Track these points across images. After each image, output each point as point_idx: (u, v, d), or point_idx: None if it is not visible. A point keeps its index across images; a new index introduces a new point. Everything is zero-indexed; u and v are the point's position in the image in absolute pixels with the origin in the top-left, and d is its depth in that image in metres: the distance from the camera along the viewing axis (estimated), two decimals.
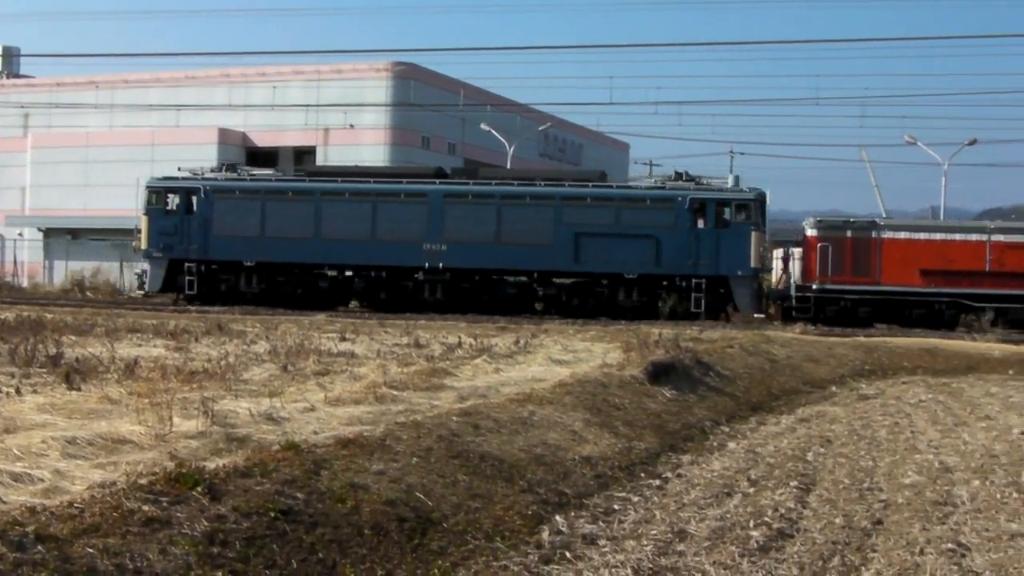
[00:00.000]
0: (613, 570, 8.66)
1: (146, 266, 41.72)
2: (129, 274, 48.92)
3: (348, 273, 40.18)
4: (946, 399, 20.67)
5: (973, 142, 59.66)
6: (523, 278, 39.26)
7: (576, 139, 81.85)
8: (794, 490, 11.62)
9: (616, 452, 13.17)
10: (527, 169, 41.87)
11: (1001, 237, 37.95)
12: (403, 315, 34.99)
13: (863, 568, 8.83)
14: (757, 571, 8.73)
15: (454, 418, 12.19)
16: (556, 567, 8.78)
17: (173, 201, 40.77)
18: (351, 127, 61.07)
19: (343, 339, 22.72)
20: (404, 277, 39.13)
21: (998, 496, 11.42)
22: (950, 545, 9.34)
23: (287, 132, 62.83)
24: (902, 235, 38.19)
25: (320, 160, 60.65)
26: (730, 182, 39.51)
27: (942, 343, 29.07)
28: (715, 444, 15.00)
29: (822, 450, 14.43)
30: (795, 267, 38.30)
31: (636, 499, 11.28)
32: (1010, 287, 37.00)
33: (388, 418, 12.09)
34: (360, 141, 61.41)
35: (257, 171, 43.37)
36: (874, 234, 38.09)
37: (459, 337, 23.04)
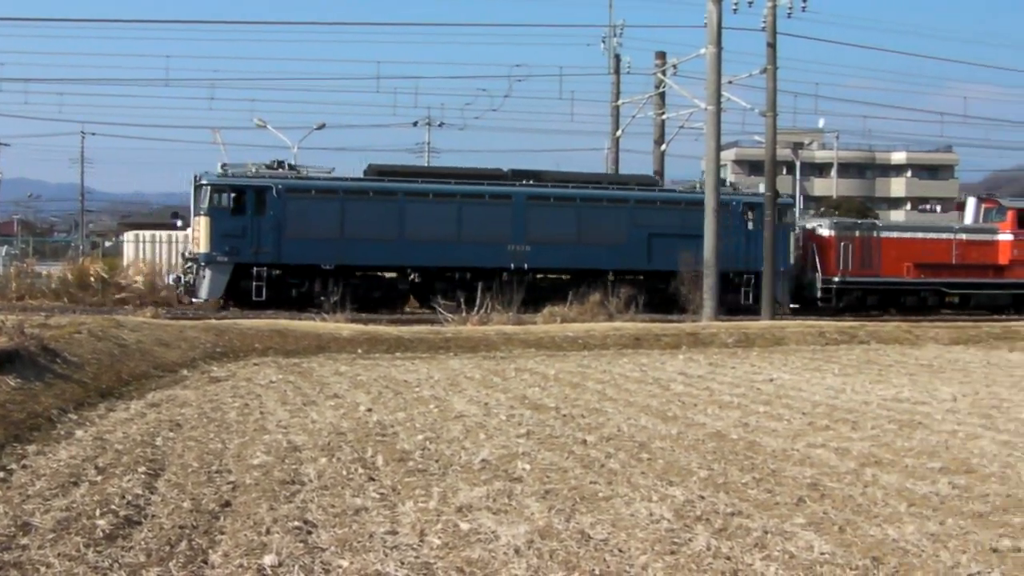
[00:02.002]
0: None
1: (183, 272, 39.31)
2: None
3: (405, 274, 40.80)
4: (296, 379, 21.05)
5: (322, 126, 61.68)
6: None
7: None
8: (143, 476, 11.33)
9: None
10: (583, 173, 45.77)
11: (963, 236, 47.19)
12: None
13: (210, 551, 8.74)
14: (103, 560, 8.42)
15: None
16: None
17: (241, 200, 38.24)
18: None
19: None
20: (488, 278, 39.01)
21: (344, 473, 11.70)
22: (297, 523, 9.45)
23: None
24: (895, 234, 46.63)
25: None
26: (760, 187, 43.84)
27: (292, 324, 29.58)
28: (63, 433, 14.33)
29: (172, 434, 14.19)
30: (817, 262, 44.44)
31: None
32: (972, 276, 46.87)
33: None
34: None
35: (312, 169, 41.30)
36: (875, 234, 46.08)
37: None
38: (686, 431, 14.84)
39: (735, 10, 39.92)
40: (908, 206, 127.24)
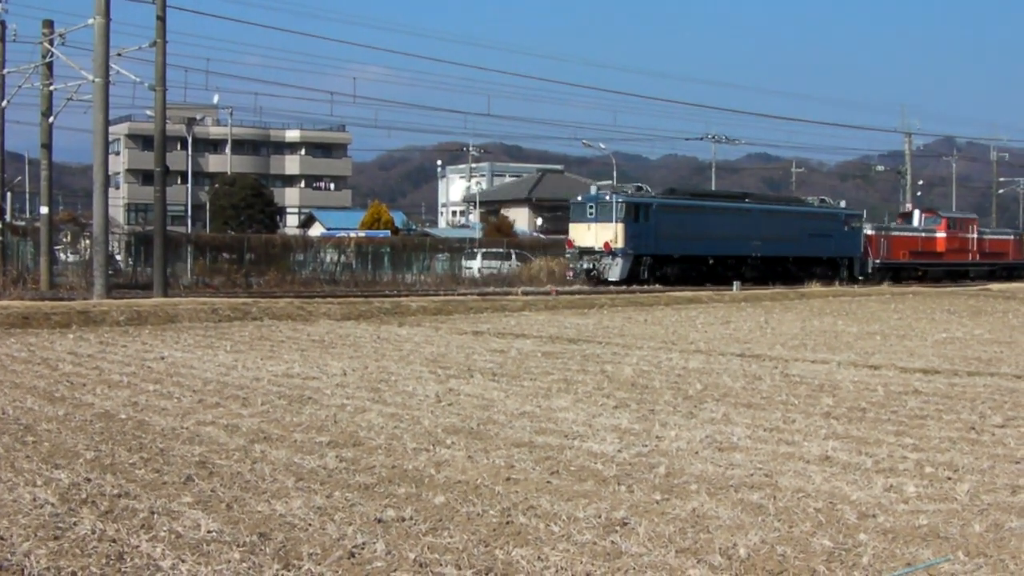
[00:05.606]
0: None
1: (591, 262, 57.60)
2: None
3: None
4: None
5: None
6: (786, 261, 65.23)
7: None
8: None
9: None
10: (767, 194, 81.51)
11: (923, 234, 73.48)
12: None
13: None
14: None
15: None
16: None
17: (637, 213, 57.32)
18: None
19: None
20: (741, 263, 61.70)
21: None
22: None
23: None
24: (895, 234, 73.20)
25: None
26: (843, 204, 71.15)
27: None
28: None
29: None
30: (869, 251, 69.49)
31: None
32: (928, 259, 73.09)
33: None
34: None
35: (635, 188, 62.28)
36: (891, 233, 72.46)
37: None
38: (74, 412, 14.52)
39: None
40: (303, 183, 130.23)
